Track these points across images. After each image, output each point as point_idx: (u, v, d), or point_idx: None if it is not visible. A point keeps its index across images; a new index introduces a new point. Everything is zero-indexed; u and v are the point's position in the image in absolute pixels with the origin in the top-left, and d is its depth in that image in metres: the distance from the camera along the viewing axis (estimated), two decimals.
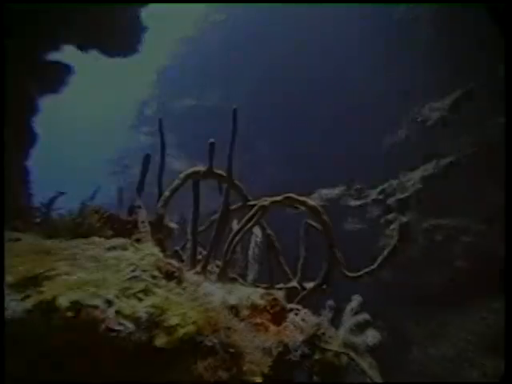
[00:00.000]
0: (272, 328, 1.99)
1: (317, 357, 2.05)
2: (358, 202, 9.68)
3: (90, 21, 4.34)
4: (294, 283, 2.77)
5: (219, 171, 2.75)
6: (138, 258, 1.66)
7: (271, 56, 11.43)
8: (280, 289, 2.68)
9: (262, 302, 2.09)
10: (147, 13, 4.89)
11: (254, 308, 2.03)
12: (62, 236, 1.93)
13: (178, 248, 2.83)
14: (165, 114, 13.14)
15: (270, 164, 11.61)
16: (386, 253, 2.75)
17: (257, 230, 2.91)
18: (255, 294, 2.13)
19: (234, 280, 2.65)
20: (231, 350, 1.54)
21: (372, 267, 2.78)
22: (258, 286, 2.59)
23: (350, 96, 11.19)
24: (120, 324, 1.34)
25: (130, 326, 1.34)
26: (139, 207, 2.49)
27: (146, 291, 1.49)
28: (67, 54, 4.64)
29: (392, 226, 8.37)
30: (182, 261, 2.65)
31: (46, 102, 4.45)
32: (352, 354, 2.23)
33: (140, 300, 1.45)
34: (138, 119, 15.76)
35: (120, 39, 4.69)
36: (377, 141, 11.32)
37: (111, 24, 4.50)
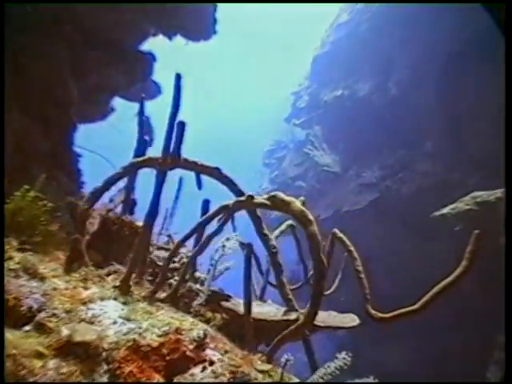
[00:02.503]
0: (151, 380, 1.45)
1: None
2: None
3: (168, 11, 4.73)
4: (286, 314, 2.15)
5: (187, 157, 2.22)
6: None
7: (425, 44, 10.14)
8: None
9: (155, 343, 1.54)
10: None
11: (136, 350, 1.50)
12: None
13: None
14: (316, 106, 12.80)
15: (429, 161, 10.41)
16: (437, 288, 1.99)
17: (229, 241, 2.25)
18: (158, 328, 1.61)
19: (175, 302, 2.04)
20: None
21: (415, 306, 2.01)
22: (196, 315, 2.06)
23: None
24: None
25: None
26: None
27: None
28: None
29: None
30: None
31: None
32: None
33: None
34: (290, 111, 15.31)
35: (197, 25, 5.16)
36: None
37: (187, 13, 4.94)
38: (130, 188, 2.48)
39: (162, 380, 1.48)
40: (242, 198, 1.91)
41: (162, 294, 2.07)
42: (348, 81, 12.32)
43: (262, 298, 2.66)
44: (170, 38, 5.07)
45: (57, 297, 1.66)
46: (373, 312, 2.10)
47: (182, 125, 2.06)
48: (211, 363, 1.59)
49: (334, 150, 12.02)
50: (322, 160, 11.84)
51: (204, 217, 2.10)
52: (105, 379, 1.44)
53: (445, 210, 7.22)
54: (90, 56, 4.48)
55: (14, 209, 1.91)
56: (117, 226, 2.32)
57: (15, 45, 3.43)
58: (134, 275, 1.93)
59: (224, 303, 2.18)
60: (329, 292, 2.44)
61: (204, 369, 1.55)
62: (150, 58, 4.94)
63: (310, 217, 1.82)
